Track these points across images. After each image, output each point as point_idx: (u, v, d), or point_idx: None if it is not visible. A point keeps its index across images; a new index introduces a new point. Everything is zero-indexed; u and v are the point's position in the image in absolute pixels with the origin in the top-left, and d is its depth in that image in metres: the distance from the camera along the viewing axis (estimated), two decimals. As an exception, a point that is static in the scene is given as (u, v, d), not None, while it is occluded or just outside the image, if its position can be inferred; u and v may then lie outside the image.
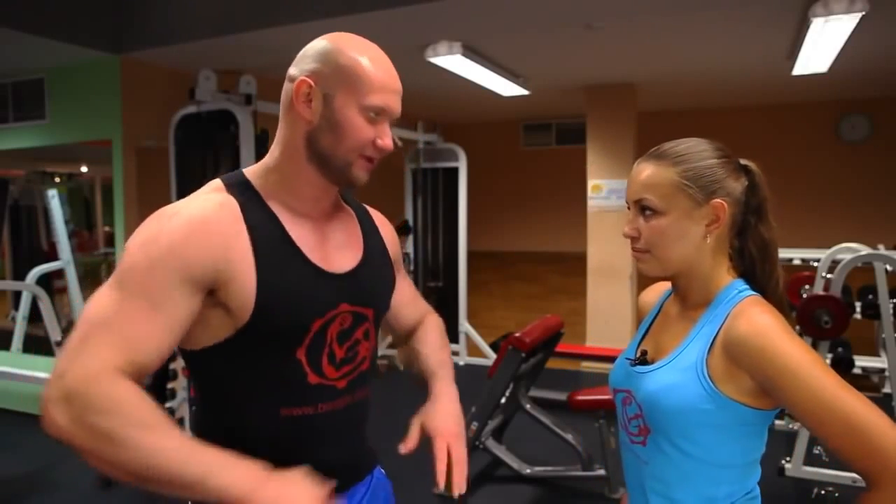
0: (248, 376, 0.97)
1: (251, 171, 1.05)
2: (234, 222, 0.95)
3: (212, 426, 1.04)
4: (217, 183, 1.02)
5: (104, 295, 0.89)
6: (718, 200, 1.01)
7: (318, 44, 1.00)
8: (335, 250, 1.06)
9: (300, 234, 1.01)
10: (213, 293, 0.93)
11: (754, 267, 1.06)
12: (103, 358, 0.83)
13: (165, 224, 0.92)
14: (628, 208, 1.08)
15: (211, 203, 0.96)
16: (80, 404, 0.80)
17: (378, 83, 0.97)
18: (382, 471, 1.22)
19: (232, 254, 0.93)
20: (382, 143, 0.99)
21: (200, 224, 0.92)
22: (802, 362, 0.91)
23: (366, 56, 0.98)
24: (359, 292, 1.06)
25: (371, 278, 1.10)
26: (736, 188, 1.03)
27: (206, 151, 3.93)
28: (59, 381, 0.82)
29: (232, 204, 0.97)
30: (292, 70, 1.01)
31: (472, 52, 4.14)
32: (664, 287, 1.19)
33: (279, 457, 0.91)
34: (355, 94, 0.96)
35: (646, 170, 1.04)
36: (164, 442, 0.81)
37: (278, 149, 1.03)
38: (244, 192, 1.00)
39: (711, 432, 0.99)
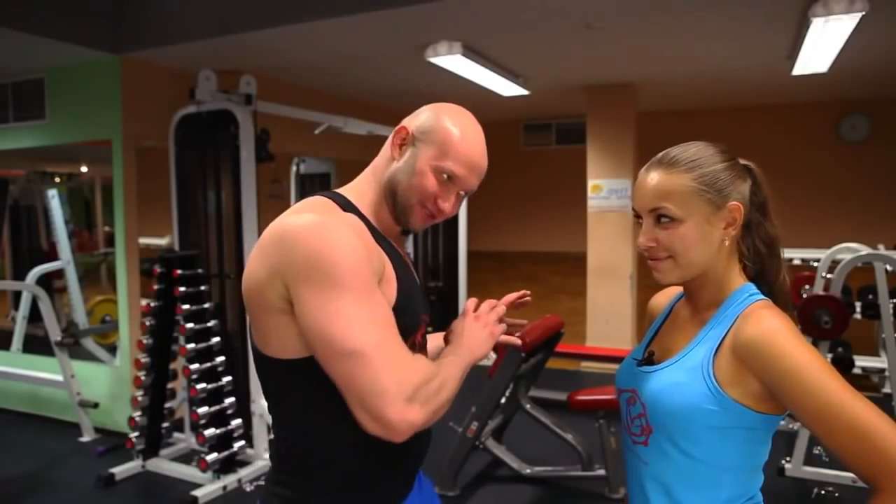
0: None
1: (350, 194, 1.13)
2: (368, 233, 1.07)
3: (302, 439, 1.06)
4: (329, 203, 1.08)
5: (348, 310, 0.94)
6: (735, 203, 1.01)
7: (434, 107, 1.14)
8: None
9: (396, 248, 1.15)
10: None
11: (763, 263, 1.07)
12: (402, 358, 0.98)
13: (343, 228, 0.99)
14: (637, 218, 1.05)
15: (351, 216, 1.06)
16: (421, 394, 0.96)
17: (461, 155, 1.08)
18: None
19: (383, 260, 1.05)
20: (441, 203, 1.10)
21: (362, 232, 1.03)
22: (809, 366, 0.91)
23: (463, 131, 1.10)
24: (426, 301, 1.22)
25: (423, 290, 1.25)
26: (745, 189, 1.03)
27: (206, 151, 3.92)
28: (398, 393, 0.93)
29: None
30: (405, 120, 1.15)
31: (472, 52, 4.14)
32: (675, 290, 1.19)
33: (373, 465, 1.04)
34: (437, 153, 1.08)
35: (656, 178, 1.02)
36: (448, 370, 1.04)
37: (372, 174, 1.16)
38: (355, 212, 1.09)
39: (714, 434, 0.98)
